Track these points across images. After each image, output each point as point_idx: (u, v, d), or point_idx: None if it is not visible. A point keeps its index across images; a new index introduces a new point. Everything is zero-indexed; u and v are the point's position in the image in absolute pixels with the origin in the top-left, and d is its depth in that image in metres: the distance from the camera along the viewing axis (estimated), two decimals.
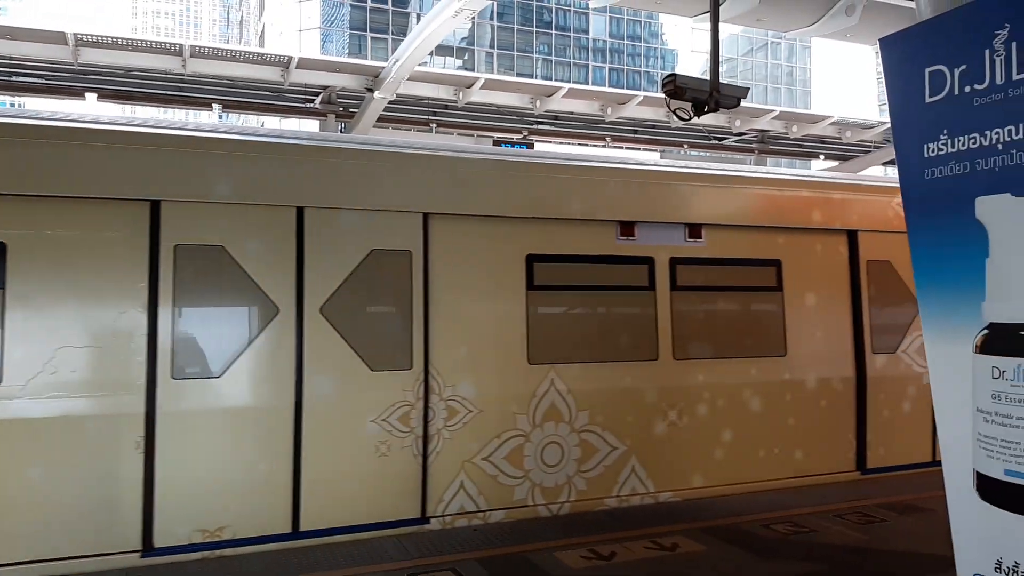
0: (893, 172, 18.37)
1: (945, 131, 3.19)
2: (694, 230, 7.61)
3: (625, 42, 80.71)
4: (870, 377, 8.25)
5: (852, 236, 8.40)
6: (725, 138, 17.60)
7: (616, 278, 7.34)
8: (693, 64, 74.74)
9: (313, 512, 6.02)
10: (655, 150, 16.74)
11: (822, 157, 18.98)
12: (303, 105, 14.26)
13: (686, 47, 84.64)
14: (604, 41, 79.75)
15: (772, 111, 16.02)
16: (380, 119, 13.83)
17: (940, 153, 3.21)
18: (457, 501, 6.51)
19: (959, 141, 3.13)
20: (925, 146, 3.27)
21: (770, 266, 7.94)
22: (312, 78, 13.12)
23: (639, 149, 16.67)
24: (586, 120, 15.89)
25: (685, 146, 17.39)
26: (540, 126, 15.89)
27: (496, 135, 15.05)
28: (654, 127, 16.72)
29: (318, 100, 13.92)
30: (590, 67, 78.23)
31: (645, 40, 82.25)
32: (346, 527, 6.09)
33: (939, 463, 7.88)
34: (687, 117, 6.41)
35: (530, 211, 6.97)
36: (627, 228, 7.32)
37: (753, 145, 17.99)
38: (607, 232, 7.26)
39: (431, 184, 6.64)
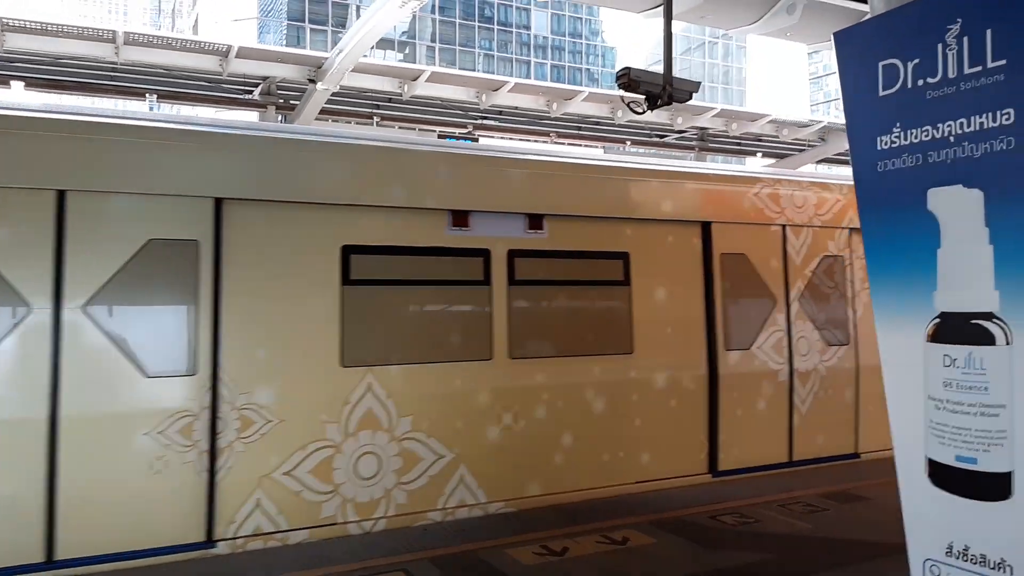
0: (825, 169, 18.92)
1: (898, 124, 3.24)
2: (535, 221, 7.10)
3: (566, 39, 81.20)
4: (723, 375, 7.89)
5: (706, 228, 8.00)
6: (667, 135, 17.86)
7: (446, 272, 6.78)
8: (633, 62, 75.54)
9: (71, 539, 5.31)
10: (599, 146, 16.85)
11: (760, 155, 19.42)
12: (242, 96, 13.89)
13: (626, 45, 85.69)
14: (545, 37, 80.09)
15: (713, 108, 16.30)
16: (322, 111, 13.55)
17: (893, 145, 3.26)
18: (252, 521, 5.83)
19: (912, 134, 3.19)
20: (878, 139, 3.32)
21: (617, 259, 7.50)
22: (252, 68, 12.76)
23: (583, 145, 16.74)
24: (531, 116, 15.89)
25: (628, 142, 17.57)
26: (485, 121, 15.83)
27: (440, 129, 14.93)
28: (598, 124, 16.85)
29: (257, 91, 13.55)
30: (532, 63, 78.45)
31: (586, 37, 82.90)
32: (112, 554, 5.40)
33: (796, 464, 8.01)
34: (640, 111, 6.43)
35: (346, 197, 6.33)
36: (460, 218, 6.77)
37: (693, 143, 18.29)
38: (436, 222, 6.69)
39: (226, 166, 5.94)
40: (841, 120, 18.71)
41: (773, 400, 8.17)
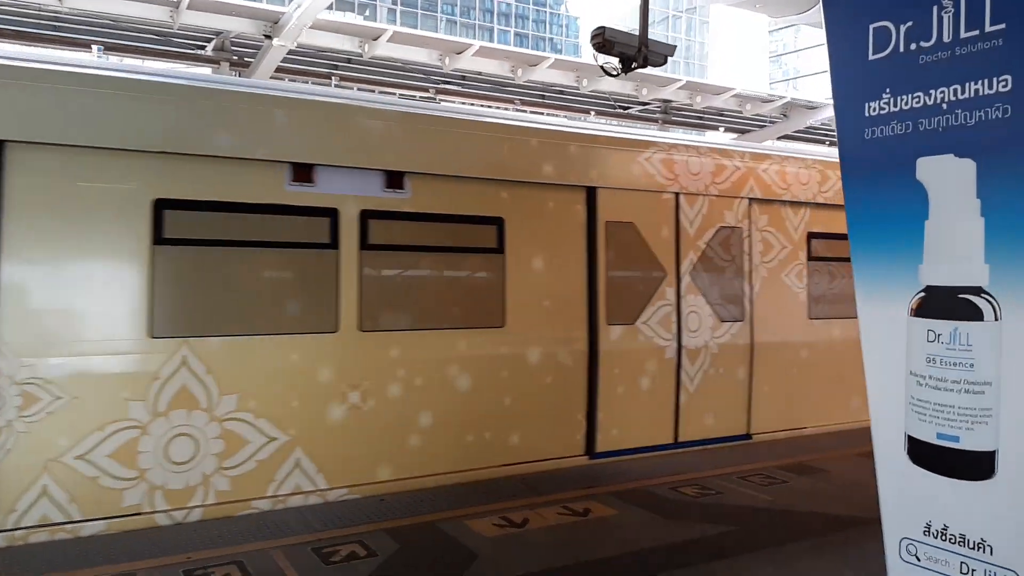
0: (786, 145, 19.02)
1: (888, 89, 3.12)
2: (394, 179, 6.36)
3: (530, 7, 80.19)
4: (603, 351, 7.34)
5: (591, 193, 7.36)
6: (631, 107, 17.70)
7: (285, 233, 6.04)
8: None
9: None
10: (561, 116, 16.62)
11: (722, 129, 19.42)
12: (194, 51, 13.29)
13: (589, 16, 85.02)
14: (509, 4, 79.00)
15: (679, 80, 16.17)
16: (278, 69, 13.05)
17: (882, 112, 3.14)
18: (37, 510, 5.17)
19: (902, 100, 3.07)
20: (866, 105, 3.20)
21: (490, 224, 6.84)
22: (205, 20, 12.19)
23: (546, 114, 16.50)
24: (495, 82, 15.57)
25: (592, 112, 17.37)
26: (448, 85, 15.46)
27: (401, 92, 14.53)
28: (562, 92, 16.60)
29: (210, 46, 12.99)
30: (495, 31, 77.40)
31: (550, 6, 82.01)
32: None
33: (682, 445, 7.81)
34: (615, 73, 6.23)
35: (160, 144, 5.54)
36: (302, 172, 6.02)
37: (657, 115, 18.18)
38: (273, 176, 5.94)
39: (11, 103, 5.17)
40: (803, 96, 18.84)
41: (659, 378, 7.68)
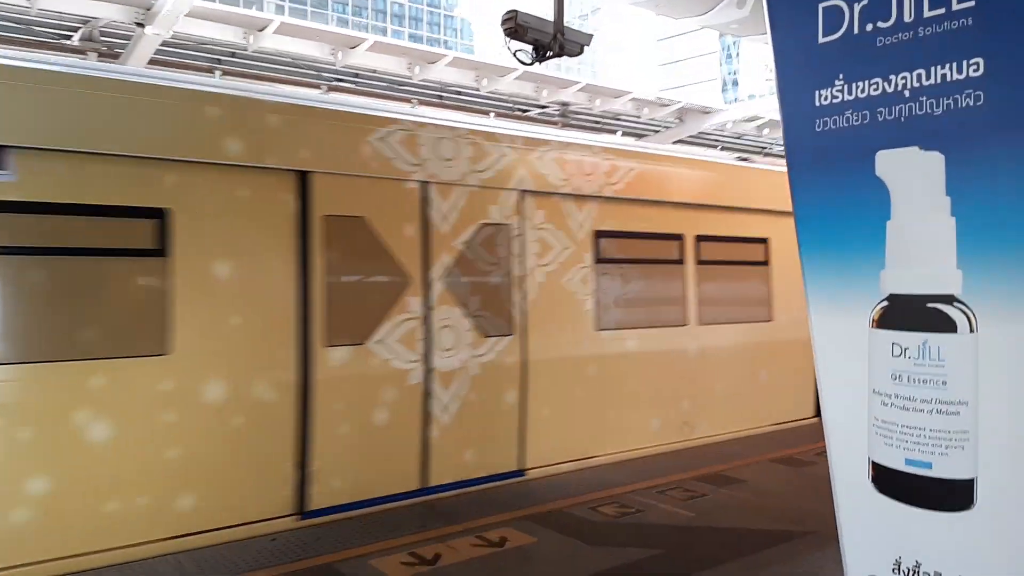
0: (687, 150, 19.26)
1: (841, 75, 2.80)
2: None
3: (424, 8, 79.41)
4: (320, 380, 5.84)
5: (303, 180, 5.87)
6: (529, 109, 17.43)
7: None
8: (491, 40, 75.19)
9: None
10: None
11: (620, 133, 19.46)
12: (57, 41, 12.02)
13: (481, 19, 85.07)
14: (402, 5, 77.93)
15: (578, 83, 15.99)
16: (153, 61, 11.98)
17: (835, 101, 2.82)
18: None
19: (858, 87, 2.75)
20: (817, 93, 2.87)
21: (147, 218, 5.24)
22: (68, 6, 11.01)
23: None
24: (390, 80, 14.92)
25: (492, 114, 16.97)
26: (340, 82, 14.70)
27: (290, 88, 13.67)
28: (460, 92, 16.13)
29: (77, 36, 11.77)
30: (388, 31, 76.15)
31: (445, 8, 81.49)
32: None
33: (433, 490, 6.48)
34: (528, 61, 5.80)
35: None
36: None
37: (556, 118, 17.99)
38: None
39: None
40: (698, 102, 19.13)
41: (400, 410, 6.24)
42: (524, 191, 7.05)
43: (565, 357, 7.35)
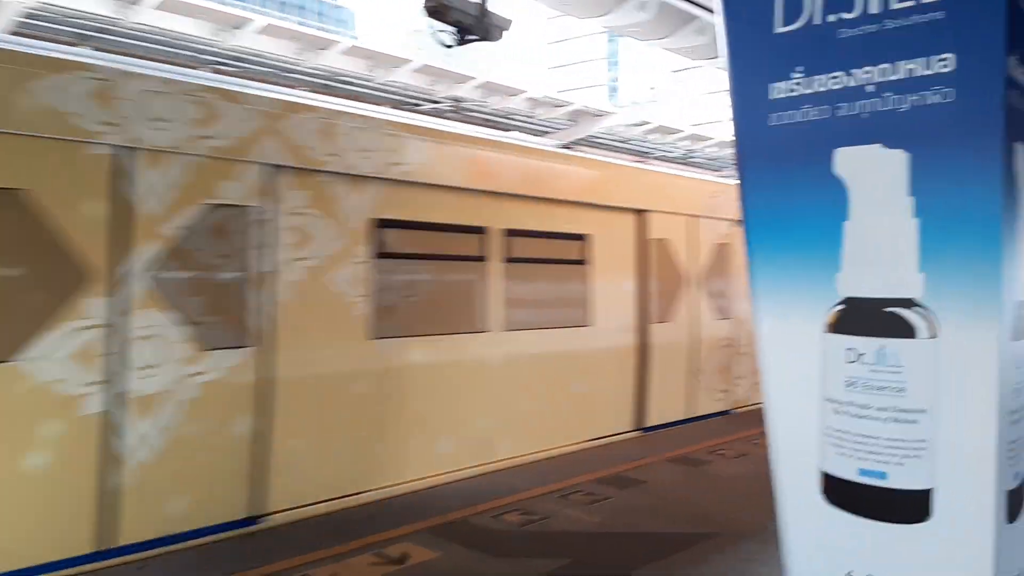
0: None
1: (800, 68, 2.67)
2: None
3: None
4: None
5: None
6: (422, 104, 17.01)
7: None
8: (377, 33, 73.84)
9: None
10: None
11: (516, 132, 19.33)
12: None
13: (369, 11, 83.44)
14: None
15: (474, 78, 15.74)
16: (13, 33, 10.73)
17: (791, 94, 2.69)
18: None
19: (817, 81, 2.63)
20: (772, 86, 2.73)
21: None
22: None
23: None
24: (278, 65, 14.12)
25: (387, 106, 16.42)
26: (224, 65, 13.77)
27: (167, 65, 12.64)
28: (351, 82, 15.50)
29: None
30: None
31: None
32: None
33: (118, 551, 4.96)
34: (450, 44, 5.46)
35: None
36: None
37: (448, 113, 17.65)
38: None
39: None
40: (593, 104, 19.33)
41: (65, 451, 4.78)
42: (276, 166, 5.73)
43: (326, 373, 6.04)
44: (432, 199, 6.84)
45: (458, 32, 5.37)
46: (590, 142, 19.86)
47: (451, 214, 7.05)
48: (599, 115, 18.41)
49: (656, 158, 20.08)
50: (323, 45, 13.50)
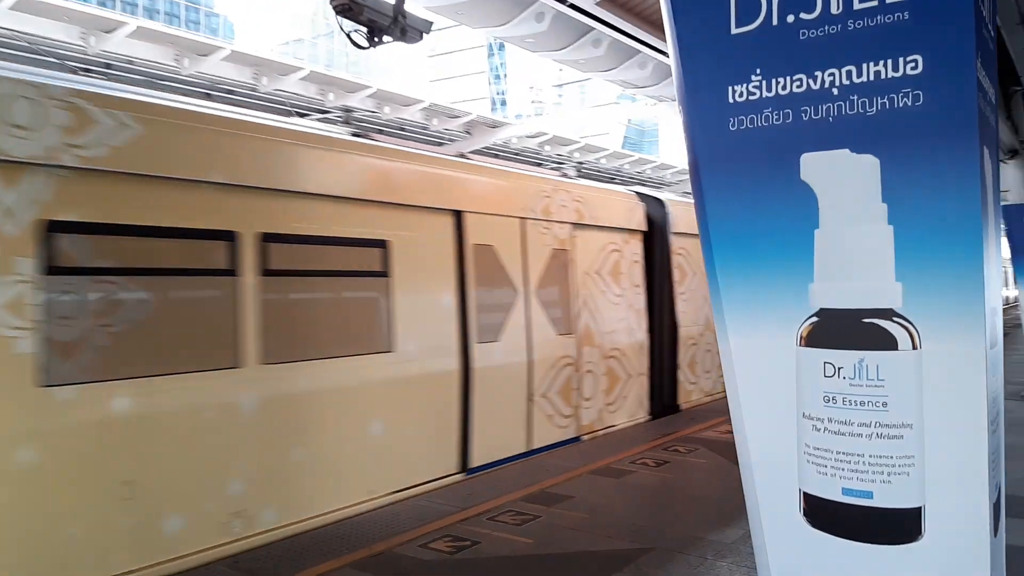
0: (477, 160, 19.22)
1: (759, 70, 2.55)
2: None
3: (183, 2, 73.63)
4: None
5: None
6: (308, 114, 16.40)
7: None
8: (258, 43, 71.50)
9: None
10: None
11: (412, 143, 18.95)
12: None
13: (247, 19, 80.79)
14: None
15: (369, 87, 15.29)
16: None
17: (751, 98, 2.56)
18: None
19: (778, 83, 2.52)
20: (730, 88, 2.61)
21: None
22: None
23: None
24: (152, 72, 13.22)
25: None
26: (90, 72, 12.75)
27: (24, 69, 11.57)
28: (233, 91, 14.73)
29: None
30: None
31: (205, 5, 76.17)
32: None
33: None
34: (364, 45, 5.11)
35: None
36: None
37: (339, 123, 17.10)
38: None
39: None
40: (489, 115, 19.20)
41: None
42: None
43: None
44: (149, 195, 5.20)
45: (371, 33, 5.03)
46: (485, 154, 19.79)
47: (180, 215, 5.36)
48: (495, 126, 18.34)
49: (582, 176, 20.15)
50: (204, 51, 12.71)
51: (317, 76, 14.33)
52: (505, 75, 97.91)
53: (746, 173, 2.58)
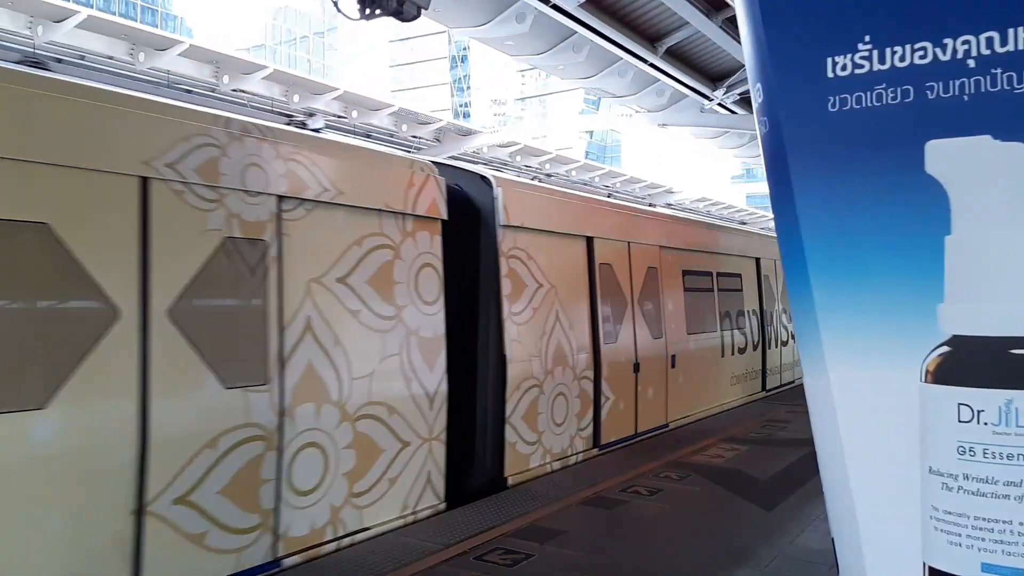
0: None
1: (867, 37, 2.06)
2: None
3: (139, 3, 71.94)
4: None
5: None
6: (278, 115, 15.69)
7: None
8: (212, 37, 70.13)
9: None
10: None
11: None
12: None
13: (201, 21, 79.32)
14: None
15: (336, 89, 14.63)
16: None
17: (858, 71, 2.06)
18: None
19: (894, 54, 2.02)
20: (830, 61, 2.10)
21: None
22: None
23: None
24: (104, 66, 12.40)
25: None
26: (35, 65, 11.90)
27: None
28: (191, 91, 13.96)
29: None
30: None
31: (162, 6, 74.58)
32: None
33: None
34: (354, 16, 4.52)
35: None
36: None
37: (305, 128, 16.42)
38: None
39: None
40: (462, 122, 18.70)
41: None
42: None
43: None
44: None
45: (363, 4, 4.46)
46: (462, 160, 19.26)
47: None
48: (466, 134, 17.82)
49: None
50: (162, 44, 11.96)
51: (281, 76, 13.63)
52: (468, 87, 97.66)
53: (851, 164, 2.08)
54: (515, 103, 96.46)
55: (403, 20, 4.68)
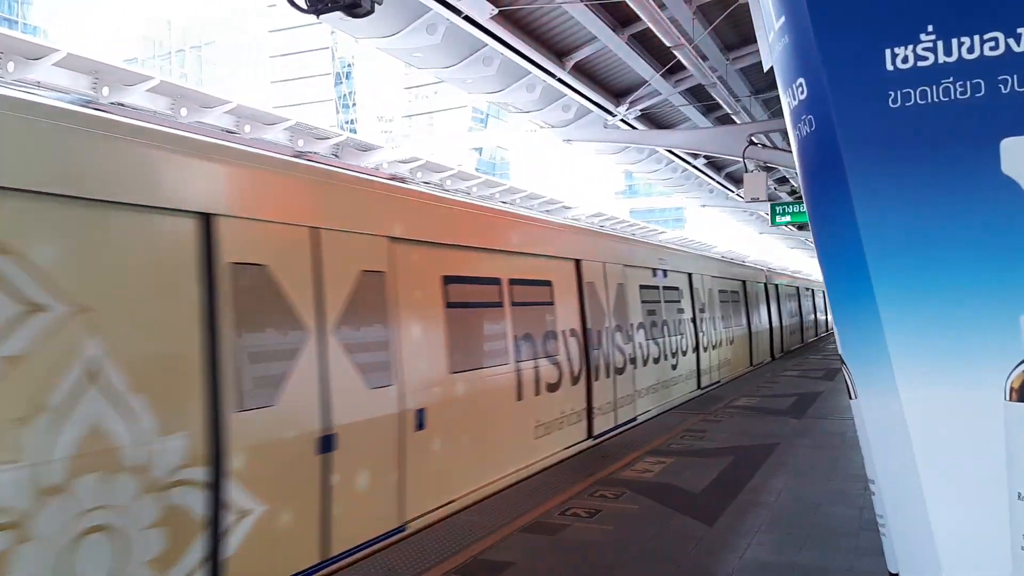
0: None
1: (931, 27, 1.90)
2: None
3: None
4: None
5: None
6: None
7: None
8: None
9: None
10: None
11: None
12: None
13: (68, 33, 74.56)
14: None
15: (228, 102, 13.82)
16: None
17: (921, 64, 1.90)
18: None
19: (962, 45, 1.87)
20: (889, 52, 1.93)
21: None
22: None
23: None
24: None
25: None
26: None
27: None
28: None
29: None
30: None
31: (20, 16, 69.54)
32: None
33: None
34: (304, 7, 4.06)
35: None
36: None
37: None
38: None
39: None
40: (361, 137, 18.13)
41: None
42: None
43: None
44: None
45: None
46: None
47: None
48: (366, 149, 17.31)
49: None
50: (33, 53, 10.89)
51: (168, 87, 12.72)
52: (354, 104, 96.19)
53: (916, 164, 1.91)
54: (402, 120, 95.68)
55: (356, 16, 4.30)
